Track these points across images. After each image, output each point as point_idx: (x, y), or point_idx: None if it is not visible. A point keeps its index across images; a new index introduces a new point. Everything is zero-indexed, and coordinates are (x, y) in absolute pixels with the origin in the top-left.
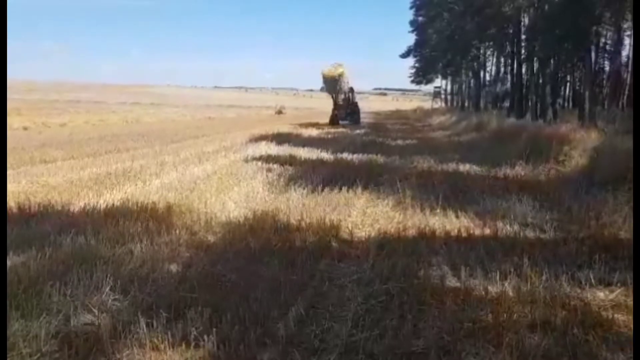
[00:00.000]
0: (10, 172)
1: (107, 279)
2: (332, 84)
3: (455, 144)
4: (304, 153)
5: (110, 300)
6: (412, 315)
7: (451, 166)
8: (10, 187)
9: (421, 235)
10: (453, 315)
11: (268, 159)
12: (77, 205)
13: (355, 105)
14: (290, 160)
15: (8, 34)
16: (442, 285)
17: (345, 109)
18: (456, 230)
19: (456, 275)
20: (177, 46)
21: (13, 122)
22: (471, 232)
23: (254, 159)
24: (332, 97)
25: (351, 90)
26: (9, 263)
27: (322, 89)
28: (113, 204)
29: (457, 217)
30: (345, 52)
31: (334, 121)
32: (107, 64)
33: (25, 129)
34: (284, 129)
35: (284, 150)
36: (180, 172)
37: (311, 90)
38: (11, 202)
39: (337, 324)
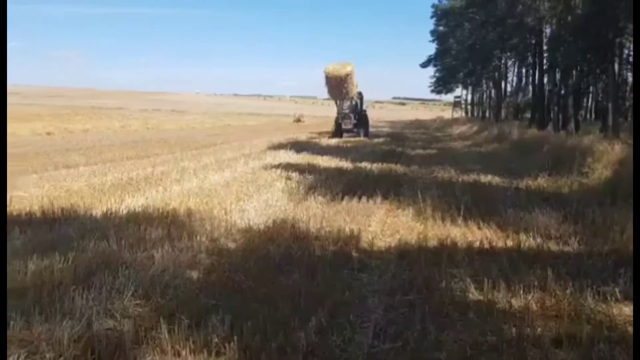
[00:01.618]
0: (34, 177)
1: (129, 284)
2: (336, 86)
3: (476, 154)
4: (322, 161)
5: (132, 306)
6: (435, 327)
7: (472, 177)
8: (35, 191)
9: (442, 246)
10: (476, 328)
11: (287, 166)
12: (99, 210)
13: (364, 114)
14: (309, 169)
15: (33, 41)
16: (465, 298)
17: (352, 118)
18: (478, 242)
19: (479, 287)
20: (197, 54)
21: (37, 127)
22: (493, 244)
23: (273, 166)
24: (336, 103)
25: (360, 95)
26: (33, 267)
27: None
28: (135, 210)
29: (479, 228)
30: (364, 60)
31: (337, 132)
32: (128, 72)
33: (48, 134)
34: (303, 137)
35: (303, 158)
36: (200, 178)
37: (329, 99)
38: (35, 207)
39: (358, 335)
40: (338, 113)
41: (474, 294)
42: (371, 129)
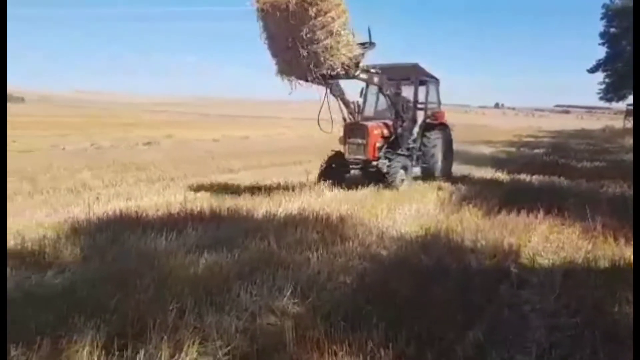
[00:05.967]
0: (203, 180)
1: (288, 283)
2: (283, 34)
3: None
4: (476, 172)
5: (291, 304)
6: (605, 354)
7: None
8: (204, 192)
9: (615, 267)
10: None
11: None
12: (259, 213)
13: (439, 123)
14: (462, 179)
15: (201, 56)
16: None
17: (365, 136)
18: None
19: None
20: None
21: (202, 134)
22: None
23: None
24: (334, 93)
25: (413, 68)
26: (203, 261)
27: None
28: (291, 213)
29: None
30: (523, 67)
31: (327, 172)
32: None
33: (214, 140)
34: (454, 146)
35: (454, 168)
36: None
37: (484, 107)
38: (205, 206)
39: (520, 355)
40: (345, 127)
41: None
42: (528, 140)
